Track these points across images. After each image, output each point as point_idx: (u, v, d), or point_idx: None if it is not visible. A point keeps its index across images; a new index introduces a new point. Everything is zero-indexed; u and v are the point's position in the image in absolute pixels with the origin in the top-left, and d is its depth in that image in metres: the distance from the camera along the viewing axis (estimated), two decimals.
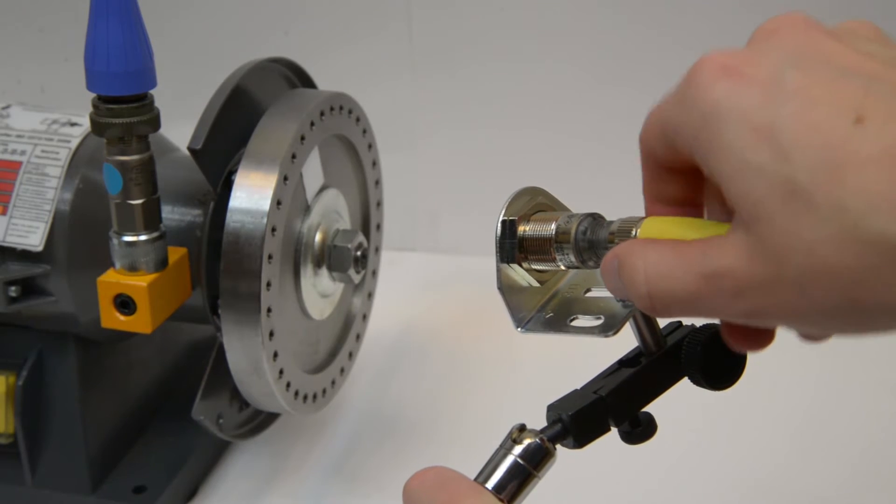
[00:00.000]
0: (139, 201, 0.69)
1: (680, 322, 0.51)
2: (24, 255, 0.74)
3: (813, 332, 0.42)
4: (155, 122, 0.68)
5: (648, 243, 0.43)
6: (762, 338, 0.44)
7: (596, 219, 0.48)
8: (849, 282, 0.36)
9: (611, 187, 0.80)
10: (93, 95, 0.67)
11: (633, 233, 0.45)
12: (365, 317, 0.88)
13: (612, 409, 0.48)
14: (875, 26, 0.41)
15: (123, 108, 0.66)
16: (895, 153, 0.35)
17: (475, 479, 0.47)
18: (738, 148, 0.38)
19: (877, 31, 0.41)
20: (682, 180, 0.45)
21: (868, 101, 0.36)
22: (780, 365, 0.92)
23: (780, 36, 0.40)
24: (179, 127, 0.78)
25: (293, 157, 0.72)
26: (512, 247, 0.50)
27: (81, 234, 0.75)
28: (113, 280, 0.70)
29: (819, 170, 0.36)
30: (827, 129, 0.36)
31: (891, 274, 0.35)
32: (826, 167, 0.36)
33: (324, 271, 0.77)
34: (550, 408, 0.49)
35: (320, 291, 0.78)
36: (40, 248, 0.74)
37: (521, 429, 0.47)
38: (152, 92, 0.68)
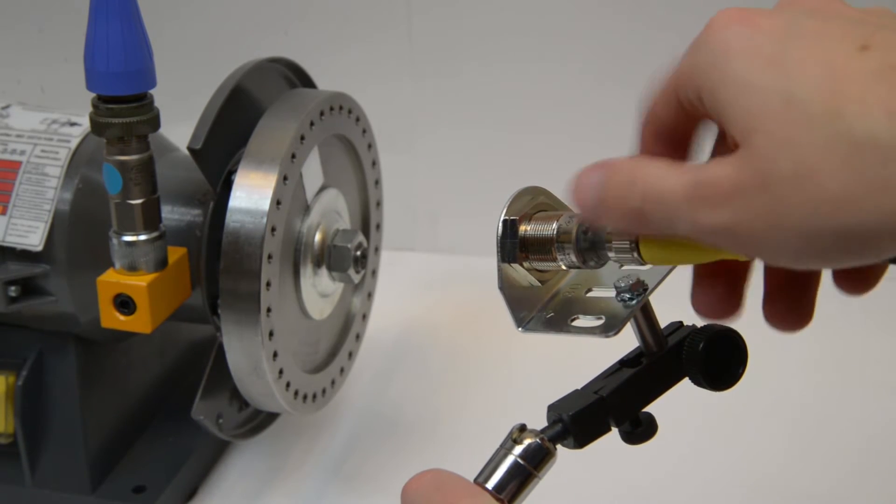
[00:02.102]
0: (139, 201, 0.69)
1: (681, 322, 0.51)
2: (24, 255, 0.74)
3: (786, 260, 0.40)
4: (155, 122, 0.68)
5: (642, 158, 0.44)
6: (804, 313, 0.45)
7: None
8: (834, 189, 0.36)
9: None
10: (93, 95, 0.67)
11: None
12: (365, 316, 0.88)
13: (612, 409, 0.48)
14: (892, 11, 0.42)
15: (123, 108, 0.66)
16: (894, 68, 0.36)
17: (475, 479, 0.47)
18: (744, 74, 0.39)
19: (890, 11, 0.42)
20: (677, 149, 0.45)
21: (875, 37, 0.38)
22: (780, 365, 0.92)
23: (799, 2, 0.42)
24: (179, 127, 0.78)
25: (293, 156, 0.72)
26: (513, 246, 0.50)
27: (81, 234, 0.75)
28: (113, 280, 0.70)
29: (818, 82, 0.37)
30: (832, 54, 0.38)
31: (878, 176, 0.36)
32: (825, 79, 0.37)
33: (323, 271, 0.77)
34: (551, 408, 0.49)
35: (320, 291, 0.78)
36: (40, 248, 0.74)
37: (522, 429, 0.47)
38: (152, 92, 0.68)
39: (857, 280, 0.44)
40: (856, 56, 0.37)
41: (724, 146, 0.43)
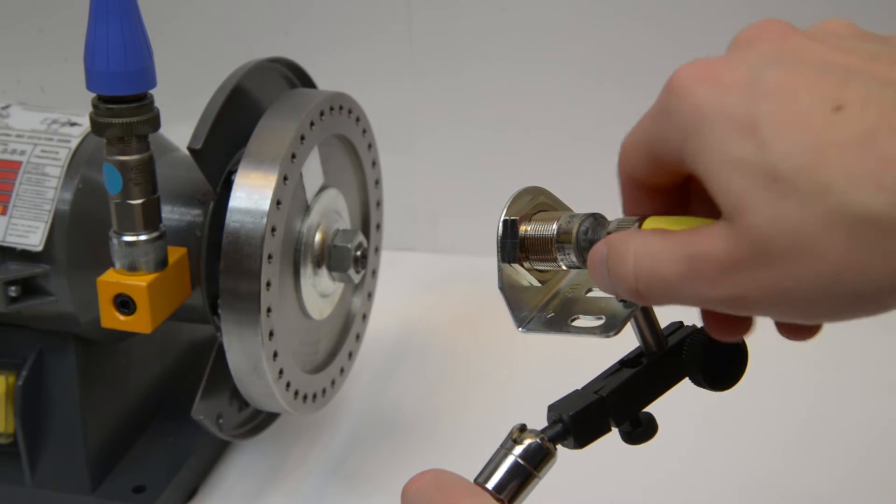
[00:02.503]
0: (139, 201, 0.69)
1: (681, 322, 0.51)
2: (24, 255, 0.74)
3: (795, 319, 0.41)
4: (155, 122, 0.68)
5: (638, 231, 0.44)
6: (741, 325, 0.45)
7: (597, 219, 0.48)
8: (836, 259, 0.36)
9: (612, 187, 0.80)
10: (93, 95, 0.67)
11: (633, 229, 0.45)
12: (365, 317, 0.88)
13: (612, 409, 0.48)
14: (851, 24, 0.42)
15: (123, 108, 0.66)
16: (875, 133, 0.36)
17: (475, 479, 0.47)
18: (722, 145, 0.38)
19: (853, 27, 0.42)
20: (665, 199, 0.45)
21: (847, 91, 0.37)
22: (780, 365, 0.92)
23: (759, 41, 0.41)
24: (179, 127, 0.78)
25: (293, 156, 0.72)
26: (513, 246, 0.50)
27: (81, 234, 0.75)
28: (113, 280, 0.70)
29: (799, 155, 0.37)
30: (806, 118, 0.37)
31: (878, 247, 0.36)
32: (806, 152, 0.36)
33: (324, 271, 0.77)
34: (551, 408, 0.49)
35: (320, 291, 0.78)
36: (40, 248, 0.74)
37: (522, 429, 0.47)
38: (152, 92, 0.68)
39: (801, 329, 0.44)
40: (831, 120, 0.37)
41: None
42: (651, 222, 0.45)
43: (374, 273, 0.89)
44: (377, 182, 0.87)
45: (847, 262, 0.36)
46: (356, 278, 0.79)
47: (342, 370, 0.85)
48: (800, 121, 0.37)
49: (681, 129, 0.40)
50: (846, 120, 0.36)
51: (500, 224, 0.50)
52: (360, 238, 0.78)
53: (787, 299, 0.38)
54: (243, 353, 0.71)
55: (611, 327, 0.48)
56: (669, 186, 0.44)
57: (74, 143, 0.75)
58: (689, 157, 0.40)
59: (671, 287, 0.41)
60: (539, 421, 0.48)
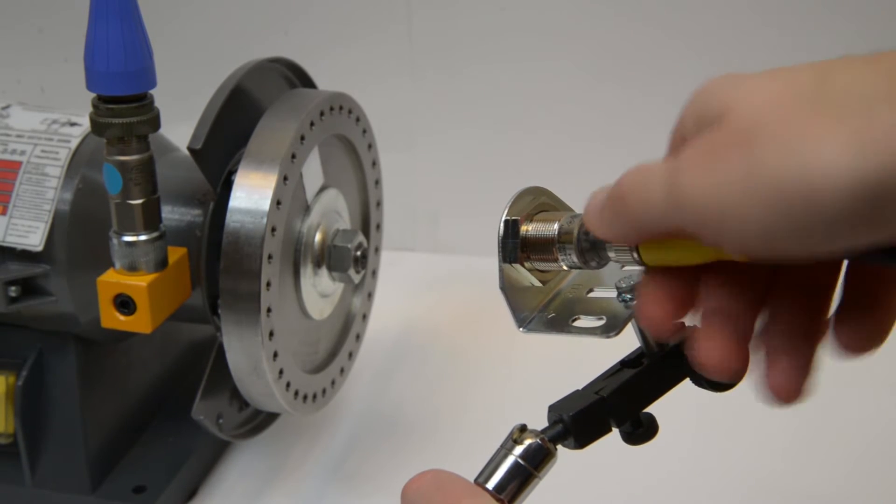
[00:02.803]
0: (139, 201, 0.69)
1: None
2: (24, 255, 0.74)
3: (754, 239, 0.39)
4: (155, 122, 0.68)
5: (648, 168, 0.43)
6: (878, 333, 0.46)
7: None
8: (816, 151, 0.36)
9: None
10: (93, 95, 0.67)
11: None
12: (365, 317, 0.88)
13: (613, 409, 0.48)
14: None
15: (123, 108, 0.66)
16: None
17: (476, 480, 0.47)
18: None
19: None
20: None
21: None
22: None
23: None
24: (179, 127, 0.78)
25: (293, 157, 0.72)
26: (514, 246, 0.50)
27: (81, 234, 0.75)
28: (113, 280, 0.70)
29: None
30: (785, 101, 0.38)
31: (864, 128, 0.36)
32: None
33: (324, 271, 0.77)
34: (551, 408, 0.49)
35: (320, 291, 0.78)
36: (40, 248, 0.74)
37: (522, 429, 0.47)
38: (152, 92, 0.68)
39: (862, 336, 0.44)
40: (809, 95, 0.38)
41: None
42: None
43: (374, 273, 0.89)
44: (377, 182, 0.87)
45: (829, 153, 0.36)
46: (356, 278, 0.79)
47: (342, 370, 0.85)
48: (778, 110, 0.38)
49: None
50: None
51: (502, 224, 0.50)
52: (360, 238, 0.78)
53: (752, 198, 0.37)
54: (243, 353, 0.71)
55: (612, 328, 0.48)
56: None
57: (74, 143, 0.75)
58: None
59: (653, 190, 0.40)
60: (539, 421, 0.48)
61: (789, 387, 0.44)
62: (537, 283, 0.51)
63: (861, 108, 0.36)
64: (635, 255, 0.45)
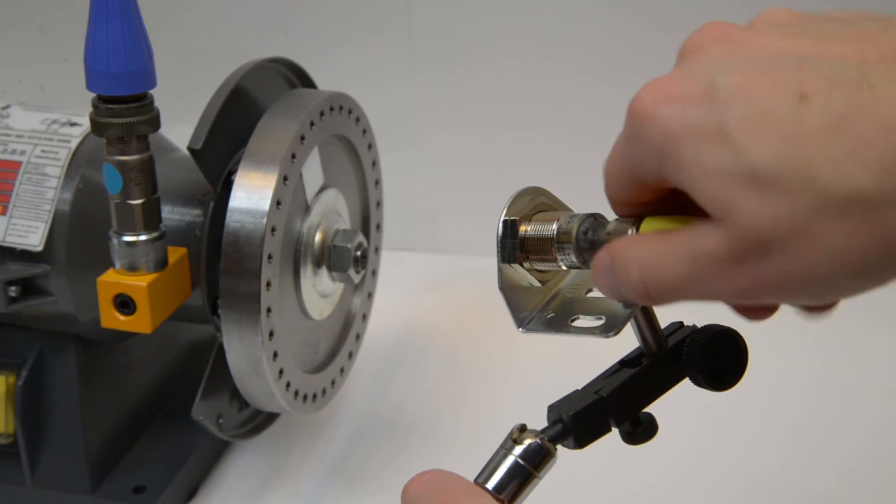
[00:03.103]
0: (139, 201, 0.69)
1: (681, 323, 0.51)
2: (24, 255, 0.74)
3: (803, 302, 0.42)
4: (155, 122, 0.68)
5: (636, 237, 0.44)
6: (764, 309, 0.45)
7: (597, 219, 0.48)
8: (834, 241, 0.37)
9: None
10: (93, 95, 0.67)
11: (630, 232, 0.45)
12: (365, 317, 0.88)
13: (612, 409, 0.48)
14: (787, 9, 0.42)
15: (123, 108, 0.66)
16: (846, 116, 0.36)
17: (475, 480, 0.47)
18: (698, 158, 0.39)
19: (790, 12, 0.42)
20: (660, 203, 0.45)
21: (805, 79, 0.37)
22: (780, 365, 0.92)
23: (705, 48, 0.42)
24: (179, 127, 0.78)
25: (293, 157, 0.72)
26: (513, 247, 0.50)
27: (81, 234, 0.75)
28: (113, 280, 0.70)
29: (777, 152, 0.37)
30: (774, 114, 0.37)
31: (871, 223, 0.36)
32: (783, 147, 0.37)
33: (324, 271, 0.77)
34: (551, 408, 0.49)
35: (320, 291, 0.78)
36: (40, 248, 0.74)
37: (522, 429, 0.47)
38: (152, 92, 0.68)
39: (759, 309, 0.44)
40: (799, 111, 0.37)
41: None
42: (648, 223, 0.45)
43: (374, 273, 0.89)
44: (377, 182, 0.87)
45: (845, 242, 0.37)
46: (356, 278, 0.79)
47: (342, 370, 0.85)
48: (768, 118, 0.37)
49: (655, 153, 0.40)
50: (814, 108, 0.37)
51: (500, 224, 0.50)
52: (360, 238, 0.78)
53: (793, 286, 0.39)
54: (243, 353, 0.71)
55: (611, 327, 0.48)
56: (658, 199, 0.45)
57: (74, 143, 0.75)
58: (670, 175, 0.40)
59: (679, 288, 0.41)
60: (539, 421, 0.48)
61: None
62: (536, 283, 0.51)
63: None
64: None
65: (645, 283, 0.42)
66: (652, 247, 0.42)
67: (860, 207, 0.36)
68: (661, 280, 0.41)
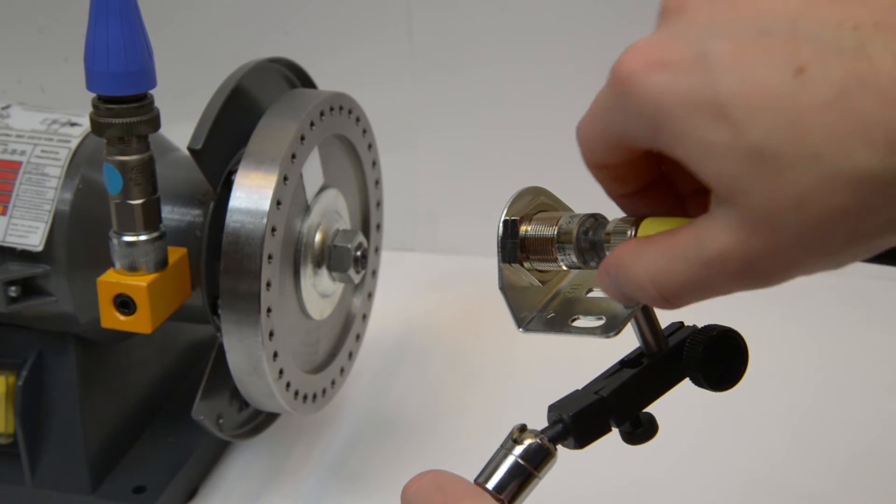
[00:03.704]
0: (139, 201, 0.69)
1: (682, 323, 0.51)
2: (24, 255, 0.74)
3: (818, 271, 0.41)
4: (155, 122, 0.68)
5: (640, 245, 0.43)
6: None
7: (598, 219, 0.48)
8: (845, 216, 0.36)
9: None
10: (93, 95, 0.67)
11: (629, 233, 0.45)
12: (365, 317, 0.88)
13: (613, 409, 0.48)
14: None
15: (123, 108, 0.66)
16: (846, 90, 0.36)
17: (476, 480, 0.47)
18: (696, 132, 0.38)
19: None
20: (641, 169, 0.45)
21: (801, 49, 0.36)
22: (780, 365, 0.92)
23: (689, 9, 0.40)
24: (179, 127, 0.78)
25: (293, 157, 0.72)
26: (513, 247, 0.50)
27: (81, 234, 0.75)
28: (113, 280, 0.70)
29: (779, 130, 0.36)
30: (771, 89, 0.36)
31: (880, 198, 0.36)
32: (785, 125, 0.36)
33: (324, 271, 0.77)
34: (551, 408, 0.49)
35: (320, 291, 0.78)
36: (40, 248, 0.74)
37: (522, 429, 0.47)
38: (152, 92, 0.68)
39: None
40: (796, 86, 0.36)
41: None
42: (648, 226, 0.45)
43: (374, 273, 0.89)
44: (377, 182, 0.87)
45: (857, 216, 0.36)
46: (356, 278, 0.79)
47: (342, 370, 0.85)
48: (766, 93, 0.36)
49: (645, 121, 0.39)
50: (812, 82, 0.36)
51: (501, 224, 0.50)
52: (360, 238, 0.78)
53: (809, 263, 0.38)
54: (243, 353, 0.71)
55: (611, 327, 0.48)
56: (640, 158, 0.44)
57: (74, 143, 0.75)
58: (667, 147, 0.39)
59: (700, 291, 0.41)
60: (539, 421, 0.48)
61: None
62: (537, 283, 0.51)
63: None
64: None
65: (663, 294, 0.42)
66: (659, 255, 0.41)
67: (869, 185, 0.36)
68: (679, 287, 0.41)
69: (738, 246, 0.38)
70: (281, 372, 0.73)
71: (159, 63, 0.67)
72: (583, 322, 0.49)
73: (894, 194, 0.36)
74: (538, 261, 0.50)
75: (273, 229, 0.70)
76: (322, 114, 0.76)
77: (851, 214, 0.36)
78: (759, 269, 0.39)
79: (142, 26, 0.65)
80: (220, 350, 0.74)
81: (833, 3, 0.37)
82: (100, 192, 0.71)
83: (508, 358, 0.99)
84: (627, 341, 0.50)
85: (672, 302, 0.42)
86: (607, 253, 0.47)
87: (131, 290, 0.69)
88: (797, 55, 0.36)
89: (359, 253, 0.78)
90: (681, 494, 0.82)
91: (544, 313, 0.51)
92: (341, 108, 0.78)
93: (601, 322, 0.48)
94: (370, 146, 0.85)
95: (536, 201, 0.51)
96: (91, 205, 0.74)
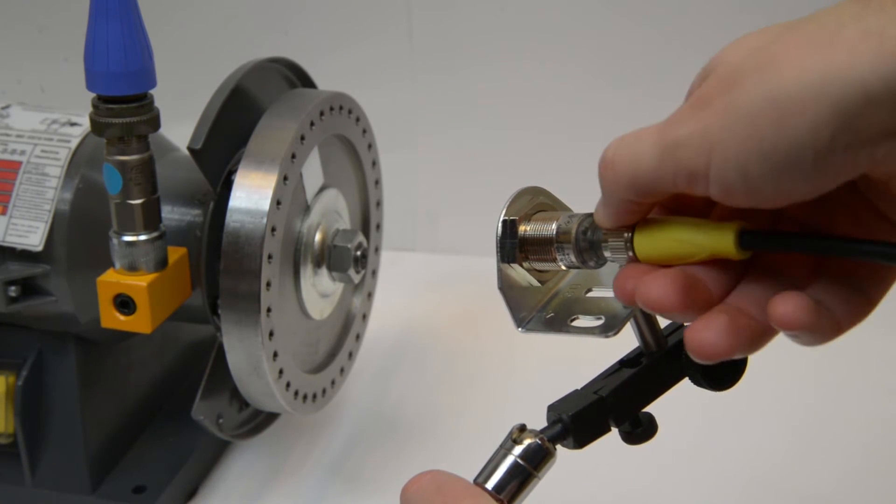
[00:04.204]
0: (139, 201, 0.69)
1: (682, 323, 0.51)
2: (24, 255, 0.74)
3: (739, 178, 0.40)
4: (155, 122, 0.68)
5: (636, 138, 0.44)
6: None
7: None
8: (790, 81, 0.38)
9: None
10: (93, 95, 0.67)
11: (627, 234, 0.46)
12: (365, 316, 0.88)
13: (612, 409, 0.48)
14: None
15: (123, 108, 0.66)
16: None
17: (475, 480, 0.47)
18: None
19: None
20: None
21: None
22: (779, 365, 0.92)
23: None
24: (179, 127, 0.78)
25: (293, 156, 0.72)
26: (512, 247, 0.50)
27: (81, 234, 0.75)
28: (113, 280, 0.70)
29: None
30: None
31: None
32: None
33: (324, 271, 0.77)
34: (551, 408, 0.49)
35: (320, 291, 0.78)
36: (40, 248, 0.74)
37: (522, 429, 0.47)
38: (152, 92, 0.68)
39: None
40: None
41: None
42: (643, 228, 0.45)
43: (374, 273, 0.89)
44: (377, 182, 0.87)
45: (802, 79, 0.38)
46: (356, 278, 0.79)
47: (342, 370, 0.85)
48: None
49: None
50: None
51: (500, 224, 0.50)
52: (360, 238, 0.78)
53: (733, 131, 0.39)
54: (243, 353, 0.71)
55: (610, 327, 0.48)
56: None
57: (74, 143, 0.75)
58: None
59: (652, 177, 0.42)
60: (539, 421, 0.48)
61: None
62: (536, 283, 0.51)
63: (826, 31, 0.38)
64: (630, 253, 0.45)
65: (615, 164, 0.44)
66: (628, 137, 0.44)
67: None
68: (632, 164, 0.43)
69: (694, 98, 0.41)
70: (281, 372, 0.74)
71: (159, 63, 0.67)
72: (582, 322, 0.50)
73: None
74: (537, 261, 0.50)
75: (273, 229, 0.70)
76: (322, 114, 0.76)
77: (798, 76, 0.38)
78: (700, 120, 0.40)
79: (142, 26, 0.65)
80: (220, 350, 0.74)
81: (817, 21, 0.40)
82: (100, 192, 0.71)
83: (508, 358, 0.99)
84: (627, 341, 0.50)
85: (620, 179, 0.43)
86: (606, 253, 0.47)
87: (131, 289, 0.69)
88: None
89: (359, 253, 0.78)
90: (680, 494, 0.82)
91: (543, 313, 0.51)
92: (341, 107, 0.78)
93: (600, 322, 0.48)
94: (370, 146, 0.85)
95: (535, 201, 0.51)
96: (91, 205, 0.74)
